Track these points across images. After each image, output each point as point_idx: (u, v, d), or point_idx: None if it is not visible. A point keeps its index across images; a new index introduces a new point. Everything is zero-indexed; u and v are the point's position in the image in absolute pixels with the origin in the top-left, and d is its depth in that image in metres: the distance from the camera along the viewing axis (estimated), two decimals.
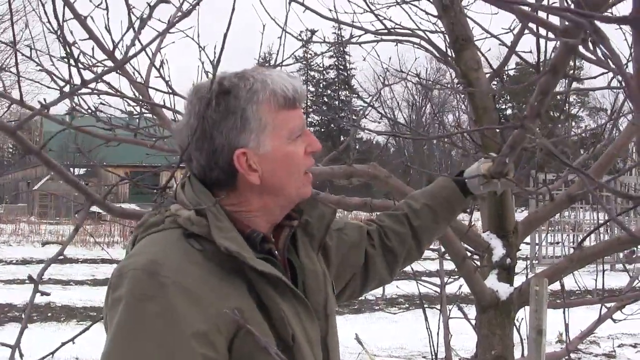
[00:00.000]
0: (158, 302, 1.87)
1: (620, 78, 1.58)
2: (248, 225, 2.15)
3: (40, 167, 61.67)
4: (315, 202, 2.38)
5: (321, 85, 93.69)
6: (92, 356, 10.15)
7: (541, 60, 3.32)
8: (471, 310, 4.25)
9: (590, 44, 1.51)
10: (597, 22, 1.12)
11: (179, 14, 3.46)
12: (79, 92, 2.97)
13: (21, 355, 2.43)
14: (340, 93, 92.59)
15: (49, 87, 3.92)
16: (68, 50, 3.07)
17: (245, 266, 2.00)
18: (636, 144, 1.19)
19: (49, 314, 14.86)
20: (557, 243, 24.99)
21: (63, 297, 16.74)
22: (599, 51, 1.43)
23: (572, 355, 11.06)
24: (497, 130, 3.88)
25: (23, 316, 2.62)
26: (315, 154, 2.23)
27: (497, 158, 2.89)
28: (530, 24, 1.98)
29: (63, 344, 2.99)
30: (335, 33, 55.11)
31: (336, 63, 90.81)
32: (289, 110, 2.13)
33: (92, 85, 3.44)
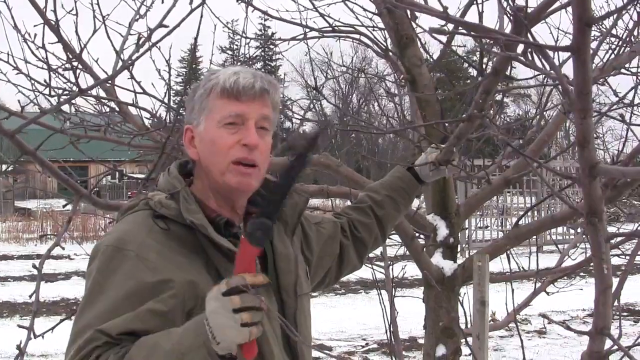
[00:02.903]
0: (120, 272, 2.24)
1: (553, 81, 1.91)
2: (214, 210, 2.46)
3: None
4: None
5: None
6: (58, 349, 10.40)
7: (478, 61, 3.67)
8: (411, 292, 4.59)
9: (528, 55, 1.87)
10: (537, 36, 1.47)
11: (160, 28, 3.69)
12: (74, 98, 3.21)
13: (35, 336, 2.74)
14: None
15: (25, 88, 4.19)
16: (71, 60, 3.32)
17: (205, 241, 2.33)
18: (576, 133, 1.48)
19: None
20: (486, 227, 25.57)
21: (2, 293, 16.67)
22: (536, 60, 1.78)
23: (505, 333, 11.57)
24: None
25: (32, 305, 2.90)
26: (250, 147, 2.39)
27: (445, 147, 3.23)
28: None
29: (62, 320, 3.27)
30: (261, 24, 55.05)
31: (262, 54, 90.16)
32: (227, 100, 2.40)
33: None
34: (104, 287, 2.22)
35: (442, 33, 1.62)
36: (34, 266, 2.86)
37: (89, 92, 3.83)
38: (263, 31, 62.35)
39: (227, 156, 2.38)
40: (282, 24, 5.15)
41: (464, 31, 1.72)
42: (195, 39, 2.91)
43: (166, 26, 3.04)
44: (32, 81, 4.20)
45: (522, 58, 1.77)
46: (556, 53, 4.27)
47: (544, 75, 2.62)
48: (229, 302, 2.03)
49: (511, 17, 2.35)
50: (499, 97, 5.90)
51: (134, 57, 3.31)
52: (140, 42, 3.36)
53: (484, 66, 3.20)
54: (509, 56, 2.25)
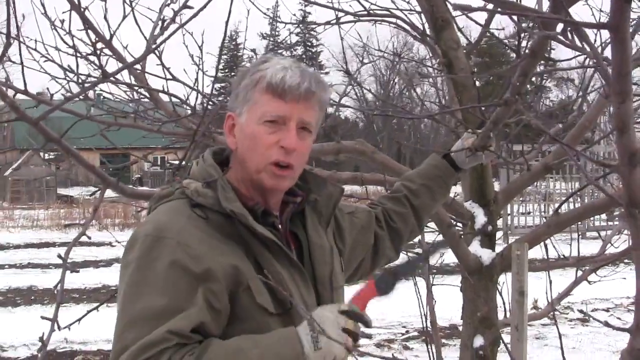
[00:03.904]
0: (163, 260, 2.16)
1: (594, 61, 1.82)
2: (251, 198, 2.40)
3: (10, 152, 60.99)
4: (323, 182, 2.62)
5: None
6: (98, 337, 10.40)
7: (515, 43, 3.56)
8: (453, 279, 4.50)
9: (568, 34, 1.76)
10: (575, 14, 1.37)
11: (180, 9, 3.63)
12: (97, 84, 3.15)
13: (59, 327, 2.69)
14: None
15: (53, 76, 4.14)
16: (93, 48, 3.26)
17: (245, 230, 2.28)
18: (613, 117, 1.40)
19: (32, 298, 14.92)
20: (529, 213, 25.34)
21: (44, 280, 16.78)
22: (576, 40, 1.68)
23: (547, 321, 11.42)
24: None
25: (56, 292, 2.85)
26: (288, 150, 2.32)
27: (481, 133, 3.13)
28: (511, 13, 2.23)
29: (89, 311, 3.22)
30: (301, 10, 54.91)
31: (302, 40, 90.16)
32: (271, 96, 2.33)
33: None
34: (148, 277, 2.16)
35: (467, 9, 1.52)
36: (59, 256, 2.83)
37: (118, 78, 3.78)
38: (303, 17, 62.12)
39: (264, 157, 2.34)
40: (323, 9, 5.08)
41: (496, 9, 1.62)
42: (227, 21, 2.82)
43: (191, 7, 2.97)
44: (63, 69, 4.15)
45: (560, 37, 1.67)
46: (597, 37, 4.16)
47: (585, 57, 2.51)
48: (343, 320, 2.20)
49: None
50: (539, 81, 5.77)
51: (159, 41, 3.24)
52: (165, 24, 3.28)
53: (521, 48, 3.09)
54: (547, 36, 2.15)
